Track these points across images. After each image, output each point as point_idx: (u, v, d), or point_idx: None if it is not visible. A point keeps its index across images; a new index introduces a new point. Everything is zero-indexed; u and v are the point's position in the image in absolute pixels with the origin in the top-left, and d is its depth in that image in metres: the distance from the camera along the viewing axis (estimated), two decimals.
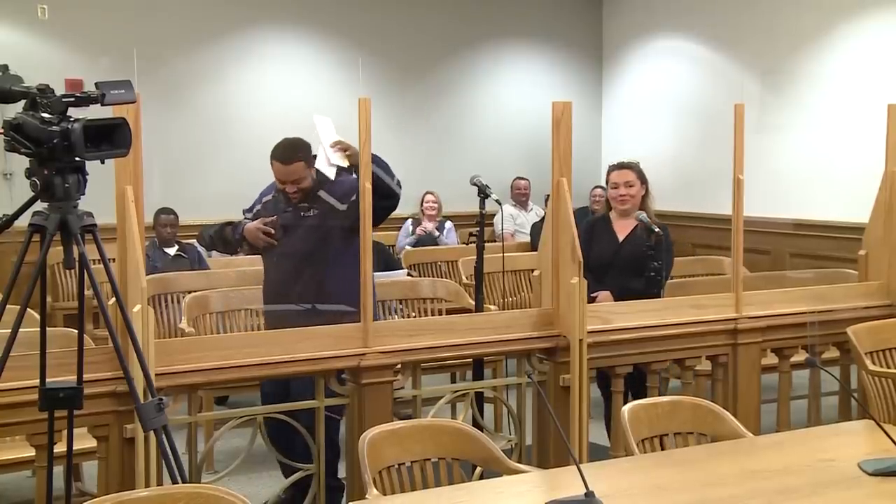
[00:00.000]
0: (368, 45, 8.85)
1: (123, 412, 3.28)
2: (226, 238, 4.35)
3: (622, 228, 4.85)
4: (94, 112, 2.79)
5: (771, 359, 4.79)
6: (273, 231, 4.19)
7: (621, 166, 4.88)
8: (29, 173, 2.81)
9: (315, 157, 4.19)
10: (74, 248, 2.83)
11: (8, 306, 2.85)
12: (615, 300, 4.59)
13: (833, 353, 4.91)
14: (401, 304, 5.65)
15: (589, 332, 3.99)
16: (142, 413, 2.84)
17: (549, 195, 4.16)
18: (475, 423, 3.93)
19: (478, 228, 4.85)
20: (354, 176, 4.08)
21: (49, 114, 2.73)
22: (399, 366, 3.81)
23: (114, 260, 3.21)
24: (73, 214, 2.80)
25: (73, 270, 2.91)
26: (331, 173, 4.11)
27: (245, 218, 4.39)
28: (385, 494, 2.78)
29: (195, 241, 7.11)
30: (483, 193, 4.81)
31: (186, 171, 7.95)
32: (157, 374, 3.21)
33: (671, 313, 4.38)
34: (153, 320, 3.28)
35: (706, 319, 4.44)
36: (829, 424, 3.95)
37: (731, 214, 4.52)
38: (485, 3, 9.60)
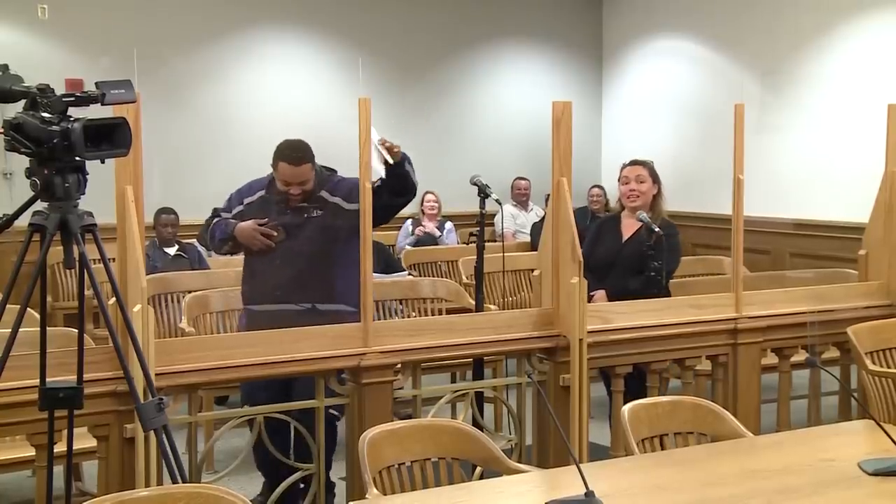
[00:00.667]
0: (368, 45, 8.85)
1: (123, 412, 3.28)
2: (214, 236, 4.27)
3: (628, 228, 4.85)
4: (94, 112, 2.79)
5: (771, 359, 4.79)
6: (275, 233, 4.11)
7: (634, 163, 4.87)
8: (29, 173, 2.81)
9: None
10: (74, 247, 2.83)
11: (8, 306, 2.86)
12: (615, 299, 4.58)
13: (833, 353, 4.92)
14: (401, 304, 5.65)
15: (589, 332, 3.99)
16: (142, 413, 2.84)
17: (549, 195, 4.16)
18: (475, 423, 3.93)
19: (478, 228, 4.85)
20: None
21: (49, 113, 2.73)
22: (399, 366, 3.81)
23: (114, 260, 3.21)
24: (73, 214, 2.80)
25: (73, 270, 2.92)
26: (381, 171, 4.02)
27: (222, 218, 4.27)
28: (385, 494, 2.78)
29: (195, 240, 7.12)
30: (483, 193, 4.81)
31: (186, 171, 7.95)
32: (157, 374, 3.21)
33: (671, 313, 4.38)
34: (153, 320, 3.28)
35: (706, 319, 4.44)
36: (829, 424, 3.96)
37: (731, 214, 4.52)
38: (485, 3, 9.60)
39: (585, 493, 2.44)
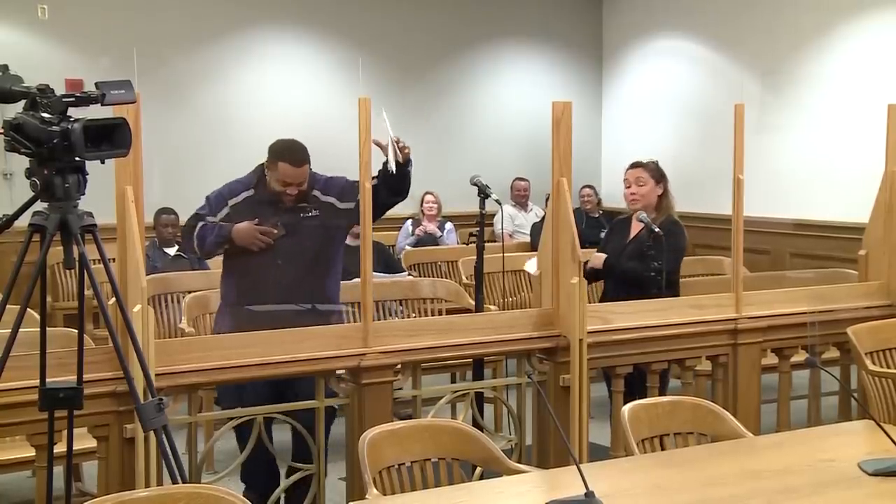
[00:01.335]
0: (368, 45, 8.85)
1: (123, 412, 3.28)
2: (204, 240, 4.16)
3: (636, 227, 4.86)
4: (94, 112, 2.79)
5: (771, 359, 4.79)
6: (275, 232, 4.11)
7: (635, 165, 4.88)
8: (29, 173, 2.81)
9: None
10: (74, 248, 2.83)
11: (8, 306, 2.85)
12: (615, 298, 4.59)
13: (833, 353, 4.92)
14: (401, 304, 5.65)
15: (589, 332, 3.99)
16: (142, 413, 2.84)
17: (549, 195, 4.16)
18: (475, 423, 3.93)
19: (478, 228, 4.85)
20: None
21: (49, 114, 2.73)
22: (399, 366, 3.81)
23: (114, 260, 3.21)
24: (73, 214, 2.80)
25: (73, 270, 2.91)
26: (393, 168, 4.05)
27: (208, 222, 4.16)
28: (385, 494, 2.78)
29: None
30: (483, 193, 4.80)
31: (186, 171, 7.94)
32: (157, 374, 3.21)
33: (671, 313, 4.38)
34: (153, 320, 3.28)
35: (706, 319, 4.44)
36: (829, 424, 3.96)
37: (731, 214, 4.52)
38: (485, 3, 9.60)
39: (585, 494, 2.44)
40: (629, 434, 3.07)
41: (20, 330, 2.84)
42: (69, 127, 2.71)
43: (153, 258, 6.55)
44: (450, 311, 5.48)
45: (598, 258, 4.81)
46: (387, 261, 6.68)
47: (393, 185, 4.03)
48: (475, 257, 4.87)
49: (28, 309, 2.89)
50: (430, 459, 2.97)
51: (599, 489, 2.46)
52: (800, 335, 4.62)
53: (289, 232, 4.13)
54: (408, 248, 7.83)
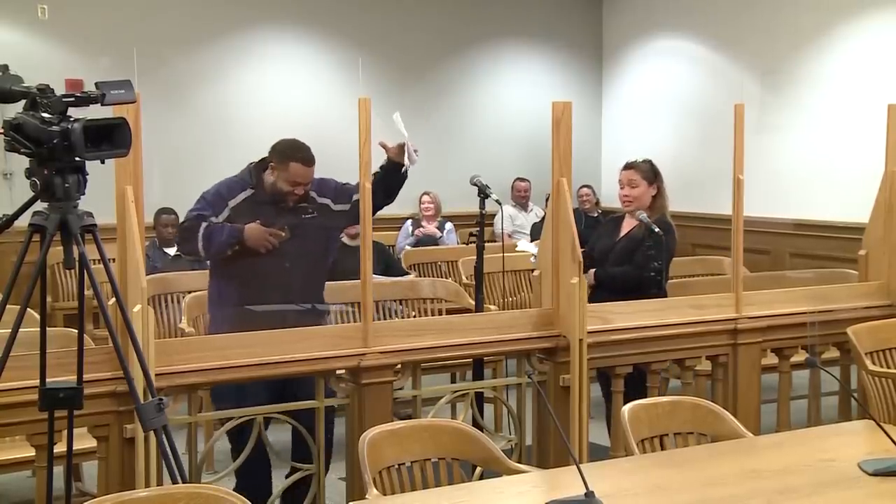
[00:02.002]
0: (368, 45, 8.85)
1: (123, 412, 3.28)
2: (211, 241, 4.04)
3: (626, 227, 4.86)
4: (94, 112, 2.79)
5: (771, 359, 4.79)
6: (283, 234, 4.07)
7: (628, 166, 4.87)
8: (29, 173, 2.81)
9: None
10: (74, 248, 2.83)
11: (8, 306, 2.85)
12: (603, 289, 4.62)
13: (833, 353, 4.92)
14: (401, 304, 5.65)
15: (589, 332, 3.99)
16: (142, 413, 2.84)
17: (549, 195, 4.16)
18: (475, 423, 3.93)
19: (478, 228, 4.85)
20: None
21: (49, 114, 2.73)
22: (399, 366, 3.81)
23: (114, 260, 3.21)
24: (73, 214, 2.80)
25: (73, 270, 2.91)
26: (409, 164, 4.09)
27: (212, 222, 4.04)
28: (385, 494, 2.78)
29: None
30: (483, 193, 4.80)
31: (186, 171, 7.92)
32: (157, 374, 3.21)
33: (671, 313, 4.38)
34: (153, 320, 3.28)
35: (706, 319, 4.44)
36: (829, 424, 3.96)
37: (731, 214, 4.52)
38: (485, 3, 9.60)
39: (585, 494, 2.44)
40: (629, 434, 3.07)
41: (20, 330, 2.84)
42: (69, 127, 2.71)
43: (153, 258, 6.55)
44: (450, 311, 5.48)
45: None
46: (387, 261, 6.67)
47: (390, 186, 4.06)
48: (475, 257, 4.86)
49: (28, 309, 2.89)
50: (430, 459, 2.97)
51: (599, 489, 2.46)
52: (800, 335, 4.62)
53: (293, 234, 4.13)
54: (408, 248, 7.83)
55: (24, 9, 7.71)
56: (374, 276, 4.65)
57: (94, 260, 3.03)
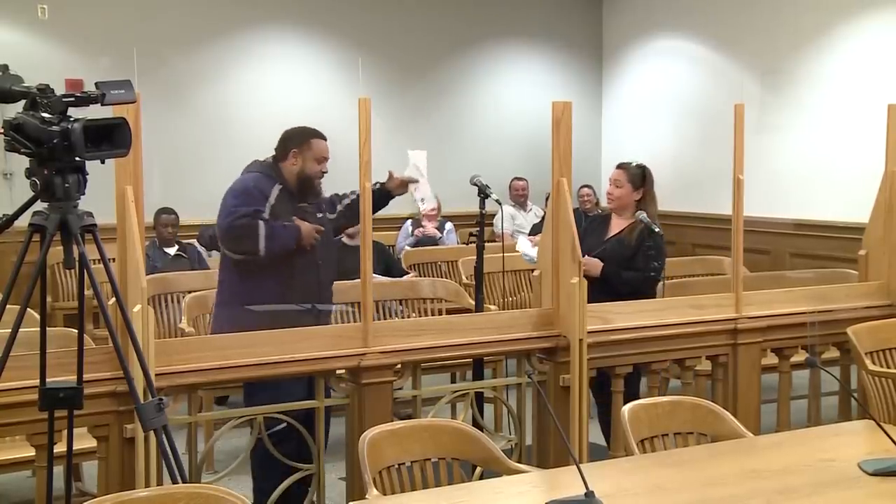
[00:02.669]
0: (368, 45, 8.85)
1: (123, 412, 3.28)
2: (274, 241, 3.93)
3: (616, 226, 4.85)
4: (94, 112, 2.79)
5: (771, 359, 4.79)
6: (323, 230, 4.08)
7: (619, 166, 4.90)
8: (29, 173, 2.81)
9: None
10: (74, 248, 2.83)
11: (8, 306, 2.85)
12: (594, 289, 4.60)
13: (833, 353, 4.92)
14: (401, 304, 5.65)
15: (589, 332, 3.99)
16: (142, 413, 2.84)
17: (549, 195, 4.16)
18: (475, 423, 3.93)
19: (478, 228, 4.85)
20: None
21: (49, 114, 2.73)
22: (399, 366, 3.81)
23: (114, 260, 3.22)
24: (73, 214, 2.80)
25: (73, 270, 2.91)
26: (429, 206, 4.20)
27: (266, 221, 3.93)
28: (385, 494, 2.78)
29: (195, 240, 7.12)
30: (483, 193, 4.80)
31: (186, 171, 7.94)
32: (157, 374, 3.21)
33: (671, 313, 4.38)
34: (153, 320, 3.28)
35: (706, 319, 4.44)
36: (829, 424, 3.96)
37: (731, 214, 4.52)
38: (485, 3, 9.60)
39: (585, 493, 2.44)
40: (629, 434, 3.07)
41: (20, 330, 2.84)
42: (69, 127, 2.71)
43: (153, 258, 6.56)
44: (450, 311, 5.48)
45: (594, 266, 4.57)
46: (387, 261, 6.67)
47: (379, 207, 4.09)
48: (475, 257, 4.86)
49: (28, 309, 2.89)
50: (430, 459, 2.97)
51: (599, 489, 2.46)
52: (800, 335, 4.62)
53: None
54: (407, 248, 7.83)
55: (24, 9, 7.70)
56: (375, 276, 4.65)
57: (94, 260, 3.03)
